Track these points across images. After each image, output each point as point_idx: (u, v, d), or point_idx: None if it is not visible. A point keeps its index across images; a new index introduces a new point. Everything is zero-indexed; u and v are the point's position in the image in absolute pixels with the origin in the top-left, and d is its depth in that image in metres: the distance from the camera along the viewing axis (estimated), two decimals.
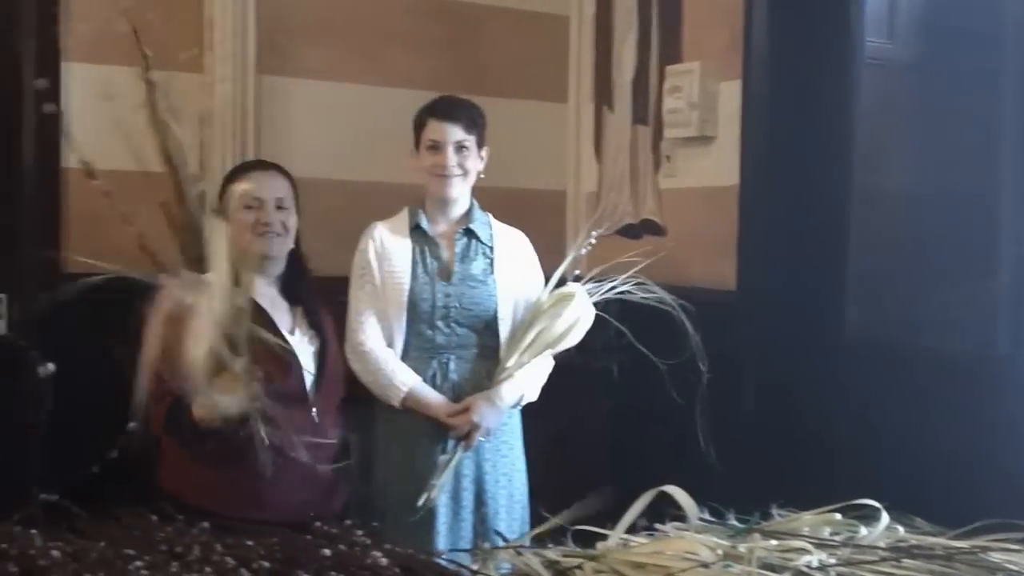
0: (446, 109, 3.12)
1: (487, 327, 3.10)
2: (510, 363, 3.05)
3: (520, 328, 3.08)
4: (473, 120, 3.12)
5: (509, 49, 4.24)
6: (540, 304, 3.08)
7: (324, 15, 3.88)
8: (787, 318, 3.36)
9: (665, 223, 3.90)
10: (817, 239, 3.38)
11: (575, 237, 4.21)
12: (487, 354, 3.11)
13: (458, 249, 3.13)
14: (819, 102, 3.40)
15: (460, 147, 3.08)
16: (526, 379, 3.09)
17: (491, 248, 3.15)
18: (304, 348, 2.93)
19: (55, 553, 1.63)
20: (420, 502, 2.94)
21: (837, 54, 3.38)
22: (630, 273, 3.07)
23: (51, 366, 2.40)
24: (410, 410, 3.05)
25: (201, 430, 2.61)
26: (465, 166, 3.09)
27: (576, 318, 3.01)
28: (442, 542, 2.98)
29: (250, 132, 3.70)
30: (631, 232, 3.98)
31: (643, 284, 3.04)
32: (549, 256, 3.26)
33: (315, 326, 2.97)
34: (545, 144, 4.34)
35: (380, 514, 3.00)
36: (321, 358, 2.95)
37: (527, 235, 3.28)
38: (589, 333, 3.10)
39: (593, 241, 3.19)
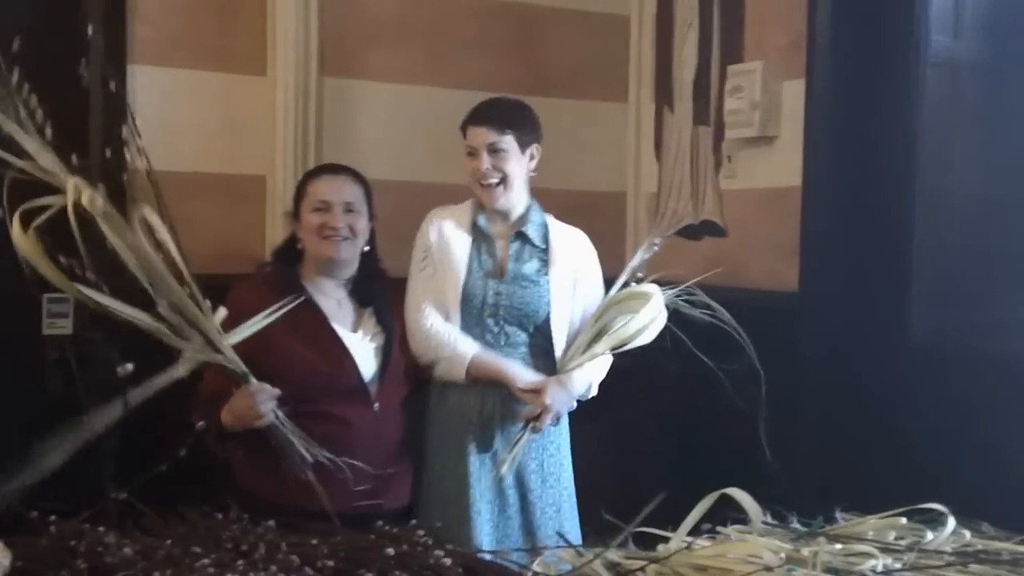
0: (478, 112, 3.10)
1: (537, 327, 3.10)
2: (581, 353, 3.03)
3: (590, 321, 3.07)
4: (509, 121, 3.08)
5: (570, 50, 4.25)
6: (612, 299, 3.07)
7: (387, 17, 3.92)
8: (850, 320, 3.33)
9: (726, 224, 3.89)
10: (881, 240, 3.36)
11: (635, 238, 4.22)
12: (536, 353, 3.10)
13: (512, 250, 3.13)
14: (883, 101, 3.37)
15: (494, 150, 3.05)
16: (594, 372, 3.08)
17: (545, 250, 3.13)
18: (365, 346, 2.99)
19: (127, 551, 1.66)
20: (492, 476, 2.98)
21: (901, 53, 3.35)
22: (690, 283, 3.05)
23: (129, 366, 2.42)
24: (456, 409, 3.07)
25: (225, 433, 2.77)
26: (502, 169, 3.05)
27: (651, 318, 2.97)
28: (486, 540, 2.98)
29: (312, 134, 3.75)
30: (691, 233, 3.97)
31: (693, 297, 3.01)
32: (609, 257, 3.26)
33: (382, 325, 3.02)
34: (605, 145, 4.34)
35: (425, 510, 3.04)
36: (385, 356, 2.99)
37: (588, 237, 3.25)
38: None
39: (656, 247, 3.16)
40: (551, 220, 3.20)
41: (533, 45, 4.18)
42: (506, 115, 3.09)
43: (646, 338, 3.02)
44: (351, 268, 3.03)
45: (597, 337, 3.03)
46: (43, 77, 2.28)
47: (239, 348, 2.62)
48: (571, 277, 3.12)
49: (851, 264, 3.38)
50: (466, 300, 3.08)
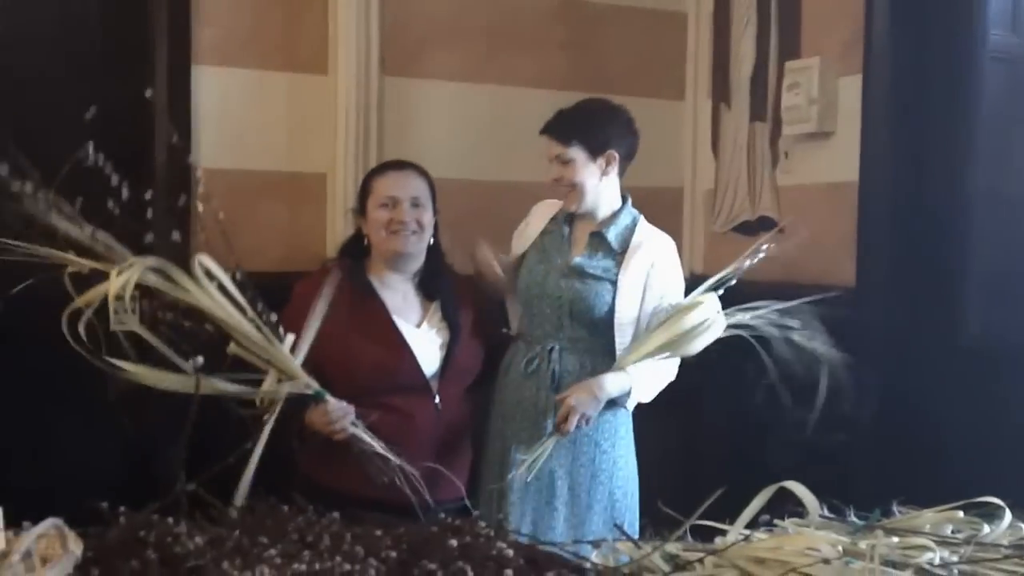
0: (549, 124, 3.12)
1: (600, 325, 3.10)
2: (624, 359, 3.05)
3: (647, 329, 3.08)
4: (573, 131, 3.08)
5: (628, 47, 4.27)
6: (671, 308, 3.08)
7: (446, 17, 3.95)
8: (907, 315, 3.33)
9: (782, 220, 3.89)
10: (938, 236, 3.35)
11: (692, 234, 4.23)
12: (597, 351, 3.10)
13: (587, 248, 3.15)
14: (940, 96, 3.36)
15: (562, 161, 3.08)
16: (638, 377, 3.05)
17: (622, 251, 3.13)
18: (430, 340, 3.03)
19: (198, 540, 1.70)
20: (508, 476, 3.01)
21: (959, 48, 3.34)
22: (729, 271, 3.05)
23: (200, 359, 2.48)
24: (512, 401, 3.12)
25: (305, 433, 2.83)
26: (569, 178, 3.08)
27: (697, 325, 2.97)
28: (528, 527, 3.01)
29: (373, 133, 3.79)
30: (748, 229, 3.97)
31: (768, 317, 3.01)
32: None
33: (447, 320, 3.06)
34: (663, 142, 4.35)
35: (483, 500, 3.09)
36: (448, 351, 3.03)
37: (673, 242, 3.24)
38: None
39: (763, 254, 3.12)
40: (642, 224, 3.19)
41: (591, 43, 4.20)
42: (573, 125, 3.09)
43: (696, 347, 3.01)
44: (418, 262, 3.08)
45: (647, 343, 3.04)
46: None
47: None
48: (642, 281, 3.11)
49: (908, 259, 3.37)
50: (531, 286, 3.14)
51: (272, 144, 3.71)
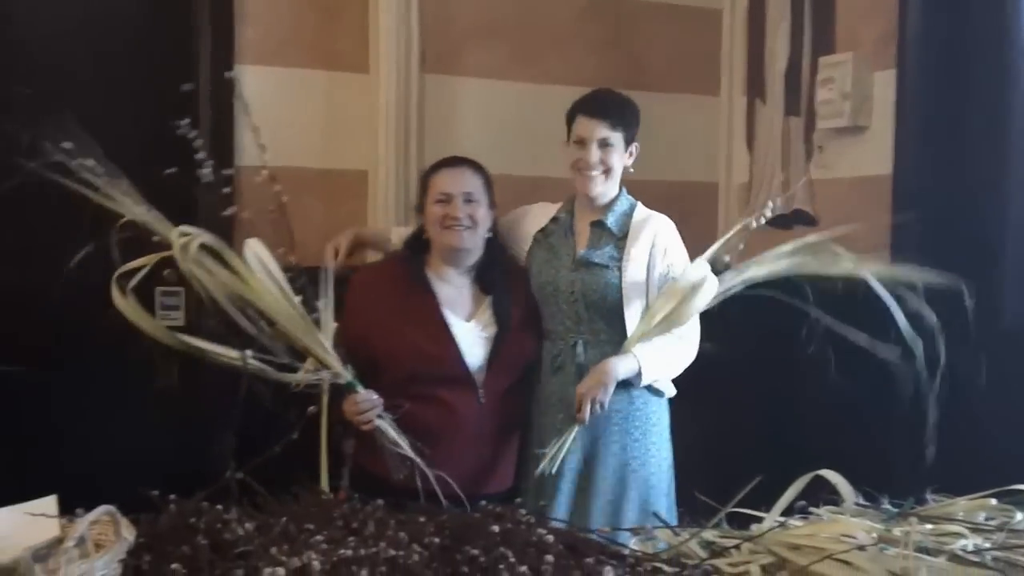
0: (594, 105, 3.15)
1: (614, 313, 3.12)
2: (630, 340, 3.07)
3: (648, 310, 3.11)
4: (621, 117, 3.14)
5: (664, 44, 4.30)
6: (670, 286, 3.10)
7: (485, 15, 3.99)
8: (944, 307, 3.32)
9: (817, 213, 3.90)
10: (972, 228, 3.35)
11: (727, 228, 4.24)
12: (617, 340, 3.11)
13: (589, 238, 3.18)
14: (974, 90, 3.36)
15: (604, 144, 3.10)
16: (643, 356, 3.05)
17: (624, 236, 3.16)
18: (478, 334, 3.08)
19: (248, 526, 1.75)
20: (536, 471, 3.01)
21: (993, 41, 3.33)
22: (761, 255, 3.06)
23: (249, 353, 2.55)
24: (552, 394, 3.13)
25: (341, 421, 2.90)
26: (608, 163, 3.11)
27: (688, 290, 3.00)
28: (562, 514, 3.02)
29: (413, 130, 3.84)
30: (782, 223, 3.98)
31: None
32: (701, 247, 3.25)
33: (498, 315, 3.10)
34: (698, 137, 4.38)
35: (526, 490, 3.12)
36: (495, 347, 3.08)
37: (679, 226, 3.25)
38: (741, 322, 3.12)
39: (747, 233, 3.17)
40: (639, 208, 3.22)
41: (627, 40, 4.23)
42: (618, 111, 3.14)
43: (687, 314, 3.02)
44: (474, 256, 3.13)
45: (647, 321, 3.06)
46: None
47: (354, 328, 2.92)
48: (645, 262, 3.14)
49: (943, 251, 3.37)
50: (543, 285, 3.16)
51: (313, 142, 3.77)
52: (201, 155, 2.68)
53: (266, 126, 2.78)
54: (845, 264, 2.92)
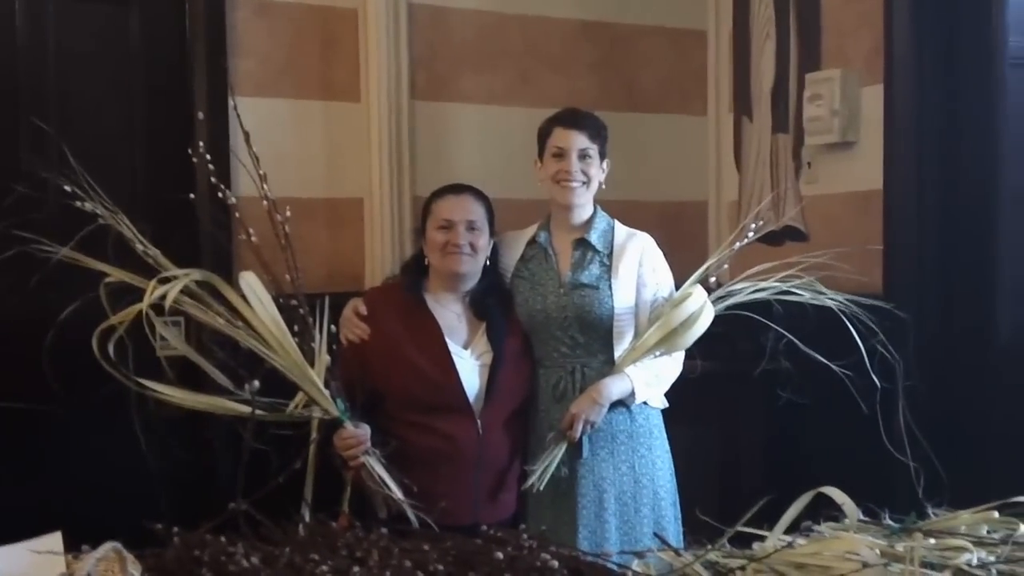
0: (572, 118, 3.18)
1: (610, 332, 3.13)
2: (623, 361, 3.08)
3: (641, 328, 3.12)
4: (597, 130, 3.17)
5: (651, 66, 4.34)
6: (664, 302, 3.11)
7: (475, 41, 4.02)
8: (937, 322, 3.34)
9: (808, 229, 3.92)
10: (965, 242, 3.36)
11: (718, 246, 4.25)
12: (614, 360, 3.13)
13: (574, 259, 3.18)
14: (962, 103, 3.38)
15: (584, 155, 3.12)
16: (637, 377, 3.06)
17: (608, 255, 3.17)
18: (474, 363, 3.07)
19: (254, 560, 1.74)
20: (523, 487, 3.03)
21: (979, 55, 3.36)
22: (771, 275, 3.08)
23: (256, 383, 2.55)
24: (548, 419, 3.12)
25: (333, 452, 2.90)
26: (588, 174, 3.13)
27: (687, 318, 3.00)
28: (584, 542, 3.03)
29: (406, 157, 3.87)
30: (773, 239, 3.99)
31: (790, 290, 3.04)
32: (692, 265, 3.26)
33: (492, 343, 3.09)
34: (687, 157, 4.40)
35: (530, 516, 3.12)
36: (492, 375, 3.06)
37: (670, 246, 3.28)
38: (740, 338, 3.13)
39: (733, 251, 3.18)
40: (617, 226, 3.24)
41: (617, 63, 4.27)
42: (594, 126, 3.17)
43: (686, 341, 3.04)
44: (471, 282, 3.14)
45: (643, 343, 3.06)
46: None
47: (360, 349, 2.97)
48: (633, 280, 3.15)
49: (936, 266, 3.38)
50: (533, 314, 3.14)
51: (310, 171, 3.79)
52: (213, 180, 2.69)
53: (263, 157, 2.79)
54: (827, 301, 2.98)
